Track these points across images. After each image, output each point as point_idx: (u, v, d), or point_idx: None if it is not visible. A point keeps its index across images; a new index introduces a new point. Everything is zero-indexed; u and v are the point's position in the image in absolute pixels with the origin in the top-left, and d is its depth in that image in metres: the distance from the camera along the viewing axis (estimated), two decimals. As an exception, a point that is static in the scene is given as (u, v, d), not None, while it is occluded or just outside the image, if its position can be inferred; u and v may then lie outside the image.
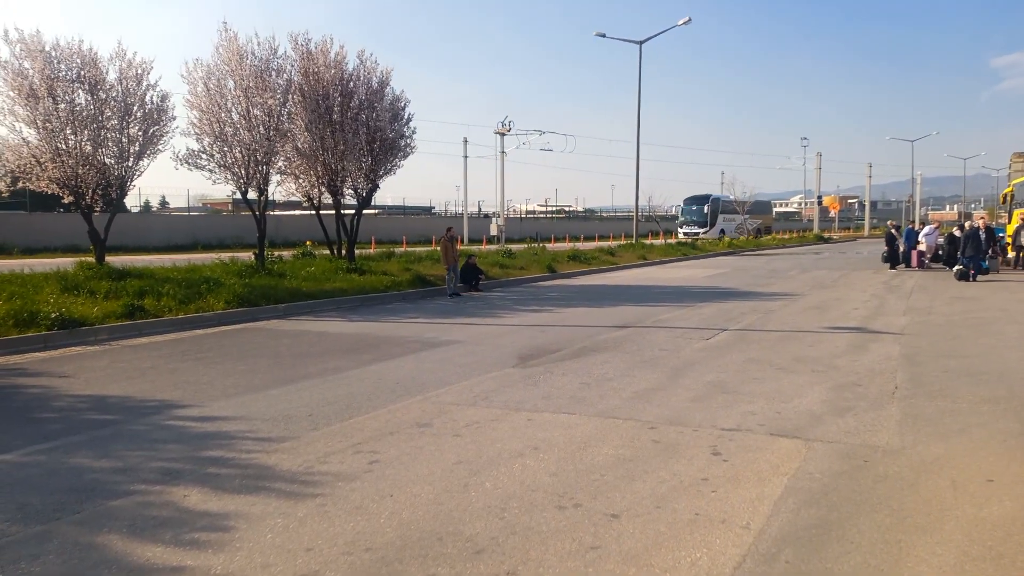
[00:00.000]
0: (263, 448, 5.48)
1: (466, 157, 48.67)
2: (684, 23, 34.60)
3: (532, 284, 21.09)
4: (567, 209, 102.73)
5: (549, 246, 35.68)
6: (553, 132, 45.60)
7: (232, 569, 3.57)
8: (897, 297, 16.18)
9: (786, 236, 63.99)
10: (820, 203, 72.69)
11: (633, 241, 37.84)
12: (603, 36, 35.47)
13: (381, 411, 6.52)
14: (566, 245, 40.22)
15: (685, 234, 53.82)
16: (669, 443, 5.52)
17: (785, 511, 4.22)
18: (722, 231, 54.15)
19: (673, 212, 58.80)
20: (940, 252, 25.13)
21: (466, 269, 18.66)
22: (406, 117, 20.08)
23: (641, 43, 35.78)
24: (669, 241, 44.09)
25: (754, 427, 5.94)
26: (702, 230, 54.36)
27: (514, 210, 79.38)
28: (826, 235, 66.33)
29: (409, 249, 28.60)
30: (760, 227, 59.52)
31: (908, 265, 25.08)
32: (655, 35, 36.37)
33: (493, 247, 33.13)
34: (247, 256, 18.69)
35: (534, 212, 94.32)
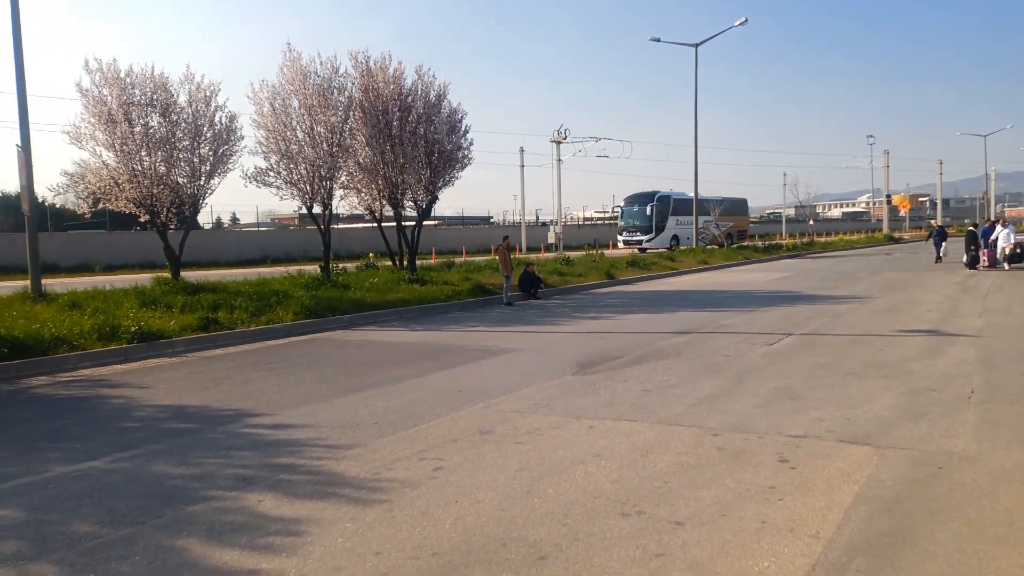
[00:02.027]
0: (332, 455, 5.64)
1: (523, 166, 48.87)
2: (740, 24, 34.02)
3: (591, 291, 21.02)
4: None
5: (607, 252, 35.49)
6: (609, 138, 45.99)
7: (305, 572, 3.70)
8: (972, 298, 15.51)
9: (854, 237, 62.02)
10: (889, 202, 70.23)
11: (693, 245, 37.27)
12: (657, 40, 35.15)
13: (444, 419, 6.63)
14: (624, 251, 39.92)
15: (625, 243, 42.77)
16: (734, 450, 5.45)
17: (856, 520, 4.12)
18: (675, 238, 42.24)
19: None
20: (1019, 251, 23.97)
21: (524, 277, 18.74)
22: (463, 129, 20.37)
23: (697, 46, 35.33)
24: (730, 245, 43.40)
25: (823, 434, 5.81)
26: (645, 237, 41.81)
27: (571, 217, 79.24)
28: (896, 235, 64.01)
29: (468, 259, 28.90)
30: (731, 231, 47.59)
31: (983, 266, 23.98)
32: (711, 37, 35.87)
33: (551, 255, 33.17)
34: (313, 269, 19.21)
35: (592, 219, 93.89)
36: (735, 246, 42.57)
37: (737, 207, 49.55)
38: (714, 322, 12.82)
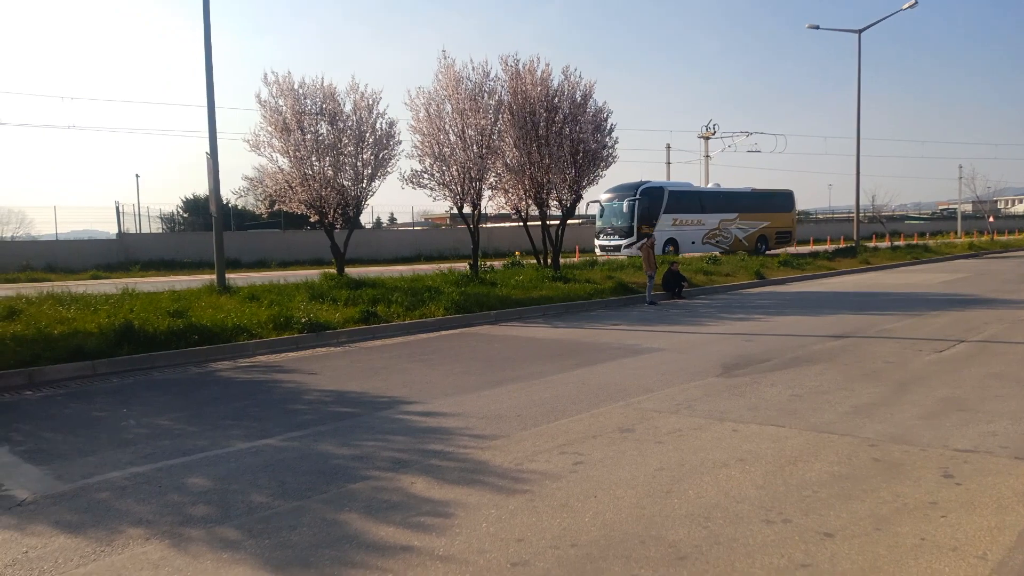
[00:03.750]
0: (477, 444, 5.92)
1: (668, 163, 47.97)
2: (909, 7, 31.35)
3: (738, 291, 20.29)
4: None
5: (789, 248, 33.88)
6: (761, 132, 43.66)
7: (453, 552, 3.94)
8: None
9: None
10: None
11: (854, 244, 34.77)
12: (816, 28, 33.20)
13: (584, 415, 6.73)
14: (777, 250, 38.07)
15: (602, 249, 31.98)
16: (892, 462, 5.15)
17: (1031, 544, 3.79)
18: (671, 242, 31.90)
19: (900, 212, 49.59)
20: None
21: (668, 276, 18.44)
22: (608, 127, 20.36)
23: (860, 32, 32.99)
24: (897, 243, 40.07)
25: (995, 449, 5.34)
26: (624, 241, 30.71)
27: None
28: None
29: (611, 257, 28.75)
30: (765, 233, 35.77)
31: None
32: (875, 22, 33.40)
33: (697, 253, 32.31)
34: (462, 266, 19.95)
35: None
36: (772, 253, 32.28)
37: (773, 201, 37.15)
38: (875, 326, 12.01)
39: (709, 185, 38.12)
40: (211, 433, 6.54)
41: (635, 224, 30.46)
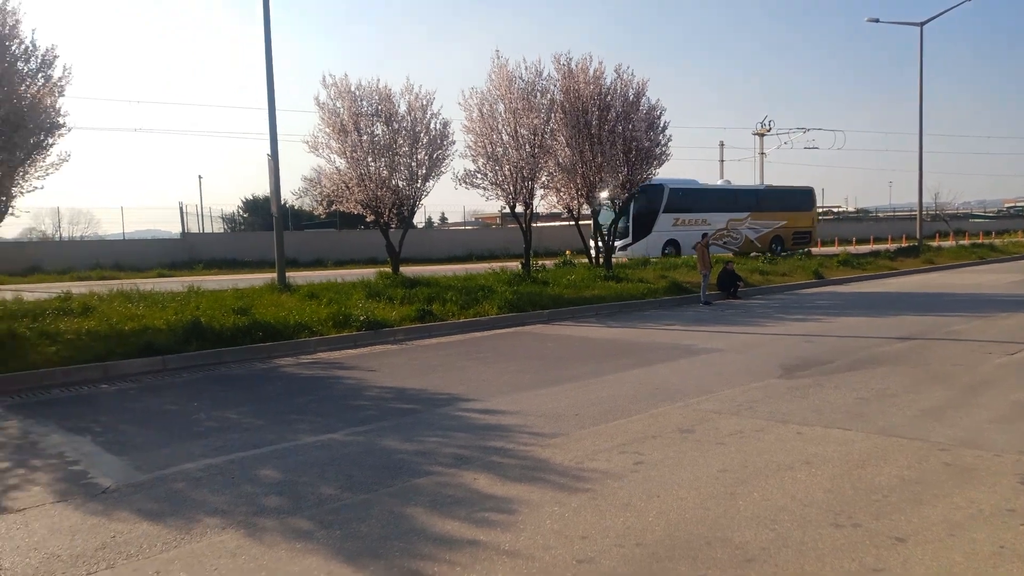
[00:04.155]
0: (537, 442, 5.97)
1: (722, 161, 47.27)
2: (977, -5, 30.15)
3: (796, 291, 19.88)
4: (835, 210, 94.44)
5: (815, 250, 33.23)
6: (819, 129, 42.53)
7: (518, 547, 4.00)
8: None
9: None
10: None
11: (916, 243, 33.66)
12: (876, 21, 32.29)
13: (643, 415, 6.72)
14: (835, 248, 37.16)
15: (596, 250, 26.99)
16: (964, 467, 5.01)
17: (1119, 556, 3.65)
18: (671, 243, 29.69)
19: (964, 210, 47.00)
20: None
21: (723, 276, 18.19)
22: (661, 125, 20.19)
23: (922, 24, 31.92)
24: (961, 243, 38.62)
25: (1077, 458, 5.14)
26: (619, 243, 27.41)
27: (775, 213, 74.86)
28: None
29: (665, 256, 28.48)
30: (781, 233, 33.31)
31: None
32: (939, 14, 32.27)
33: (753, 252, 31.71)
34: (514, 265, 20.05)
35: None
36: (791, 254, 29.06)
37: (791, 199, 34.69)
38: (941, 328, 11.64)
39: (719, 182, 36.14)
40: (278, 427, 6.75)
41: (634, 225, 28.02)
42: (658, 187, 29.37)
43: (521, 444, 5.94)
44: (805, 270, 22.61)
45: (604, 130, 18.99)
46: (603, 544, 4.00)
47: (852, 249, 33.97)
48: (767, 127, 40.36)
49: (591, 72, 18.93)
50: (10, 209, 10.83)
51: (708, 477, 4.99)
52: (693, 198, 31.13)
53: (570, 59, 18.93)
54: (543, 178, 19.13)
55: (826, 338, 11.08)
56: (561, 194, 19.95)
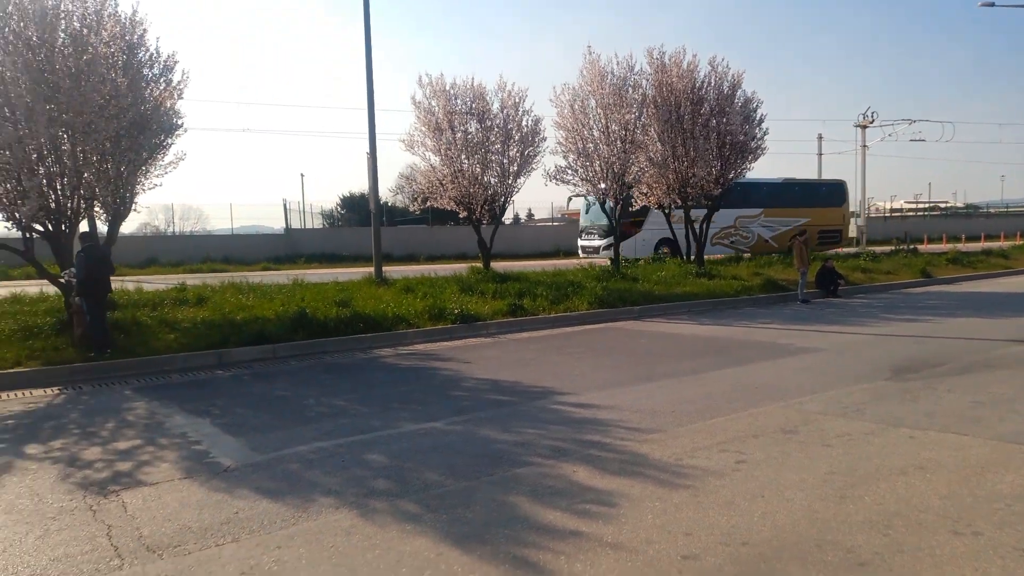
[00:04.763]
0: (634, 437, 5.97)
1: (820, 155, 45.45)
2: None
3: (901, 290, 18.94)
4: (943, 205, 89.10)
5: (921, 247, 31.51)
6: (925, 120, 40.16)
7: (621, 540, 4.04)
8: None
9: None
10: None
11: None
12: (991, 5, 30.20)
13: (742, 414, 6.61)
14: (943, 246, 35.15)
15: (583, 250, 27.69)
16: (1099, 480, 4.70)
17: None
18: (667, 241, 25.70)
19: None
20: None
21: (822, 273, 17.54)
22: (757, 118, 19.65)
23: (1050, 3, 29.63)
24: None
25: None
26: (603, 242, 25.81)
27: (877, 208, 71.45)
28: None
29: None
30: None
31: None
32: (1072, -10, 29.80)
33: (852, 249, 30.42)
34: (602, 261, 19.94)
35: (901, 210, 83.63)
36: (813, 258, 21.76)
37: (816, 195, 30.77)
38: (1068, 331, 10.86)
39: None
40: (382, 414, 7.02)
41: (614, 221, 20.77)
42: None
43: (618, 439, 5.96)
44: (911, 268, 21.51)
45: (698, 124, 18.64)
46: (707, 541, 3.98)
47: (961, 246, 32.01)
48: (870, 119, 38.44)
49: (684, 65, 18.60)
50: (134, 205, 11.62)
51: (815, 479, 4.88)
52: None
53: (663, 52, 18.68)
54: (634, 173, 18.96)
55: (937, 339, 10.54)
56: (653, 189, 19.72)
